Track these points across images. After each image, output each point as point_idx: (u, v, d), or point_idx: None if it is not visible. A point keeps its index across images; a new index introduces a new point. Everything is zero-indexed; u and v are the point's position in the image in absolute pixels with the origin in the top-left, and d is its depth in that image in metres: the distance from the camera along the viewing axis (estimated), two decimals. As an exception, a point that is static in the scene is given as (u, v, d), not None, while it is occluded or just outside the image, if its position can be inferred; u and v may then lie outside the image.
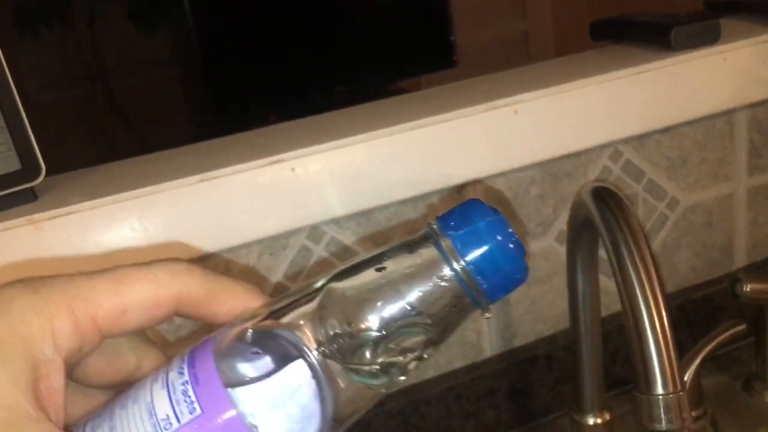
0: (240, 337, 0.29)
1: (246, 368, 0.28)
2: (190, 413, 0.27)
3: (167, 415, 0.27)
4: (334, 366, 0.28)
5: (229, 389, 0.27)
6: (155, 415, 0.27)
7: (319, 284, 0.29)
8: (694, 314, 0.77)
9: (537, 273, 0.72)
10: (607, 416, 0.64)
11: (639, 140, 0.72)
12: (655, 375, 0.44)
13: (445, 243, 0.28)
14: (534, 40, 2.64)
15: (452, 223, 0.29)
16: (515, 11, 2.62)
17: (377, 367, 0.28)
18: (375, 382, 0.29)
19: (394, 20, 2.13)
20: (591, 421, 0.64)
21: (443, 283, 0.28)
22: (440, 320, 0.29)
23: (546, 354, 0.72)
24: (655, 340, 0.44)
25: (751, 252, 0.81)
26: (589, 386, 0.63)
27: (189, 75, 2.15)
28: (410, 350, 0.29)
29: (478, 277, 0.28)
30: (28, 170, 0.54)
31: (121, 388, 0.30)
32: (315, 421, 0.28)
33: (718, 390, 0.74)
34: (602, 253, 0.55)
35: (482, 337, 0.71)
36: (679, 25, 0.70)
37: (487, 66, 1.02)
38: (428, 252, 0.29)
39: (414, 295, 0.28)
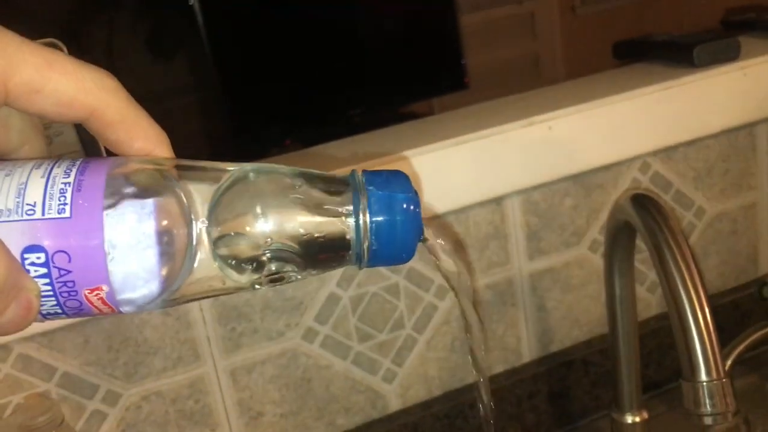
0: (137, 173, 0.29)
1: (127, 202, 0.28)
2: (58, 213, 0.27)
3: (34, 203, 0.27)
4: (205, 243, 0.29)
5: (104, 211, 0.27)
6: (23, 196, 0.27)
7: (230, 168, 0.30)
8: (722, 319, 0.80)
9: (572, 281, 0.75)
10: (645, 415, 0.68)
11: (666, 153, 0.76)
12: (698, 363, 0.48)
13: (362, 195, 0.30)
14: (545, 62, 2.69)
15: (376, 182, 0.31)
16: (525, 33, 2.67)
17: (244, 265, 0.30)
18: (232, 276, 0.30)
19: (406, 44, 2.17)
20: (630, 419, 0.67)
21: (340, 227, 0.30)
22: (313, 255, 0.30)
23: (582, 358, 0.75)
24: (698, 331, 0.48)
25: (774, 258, 0.85)
26: (627, 386, 0.67)
27: (206, 102, 2.20)
28: (276, 267, 0.30)
29: (373, 238, 0.30)
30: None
31: None
32: (159, 279, 0.28)
33: (748, 391, 0.77)
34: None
35: (521, 342, 0.75)
36: (701, 44, 0.74)
37: (498, 88, 1.05)
38: (343, 194, 0.30)
39: (310, 222, 0.30)
